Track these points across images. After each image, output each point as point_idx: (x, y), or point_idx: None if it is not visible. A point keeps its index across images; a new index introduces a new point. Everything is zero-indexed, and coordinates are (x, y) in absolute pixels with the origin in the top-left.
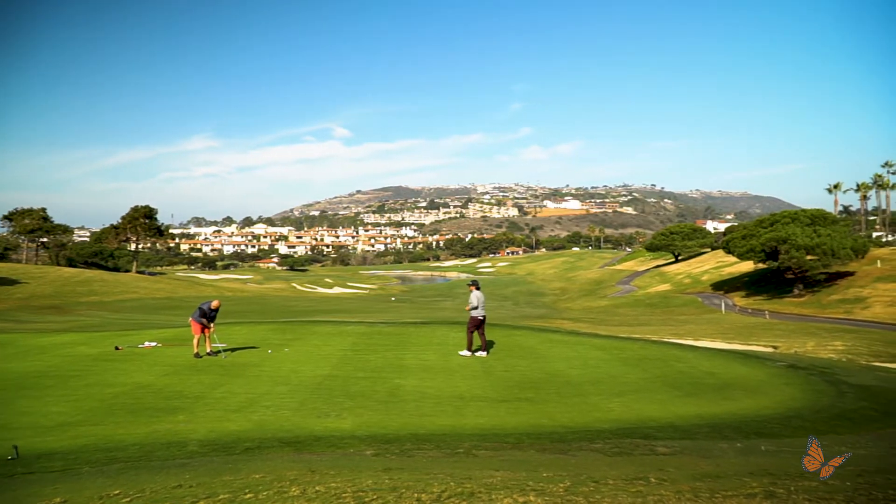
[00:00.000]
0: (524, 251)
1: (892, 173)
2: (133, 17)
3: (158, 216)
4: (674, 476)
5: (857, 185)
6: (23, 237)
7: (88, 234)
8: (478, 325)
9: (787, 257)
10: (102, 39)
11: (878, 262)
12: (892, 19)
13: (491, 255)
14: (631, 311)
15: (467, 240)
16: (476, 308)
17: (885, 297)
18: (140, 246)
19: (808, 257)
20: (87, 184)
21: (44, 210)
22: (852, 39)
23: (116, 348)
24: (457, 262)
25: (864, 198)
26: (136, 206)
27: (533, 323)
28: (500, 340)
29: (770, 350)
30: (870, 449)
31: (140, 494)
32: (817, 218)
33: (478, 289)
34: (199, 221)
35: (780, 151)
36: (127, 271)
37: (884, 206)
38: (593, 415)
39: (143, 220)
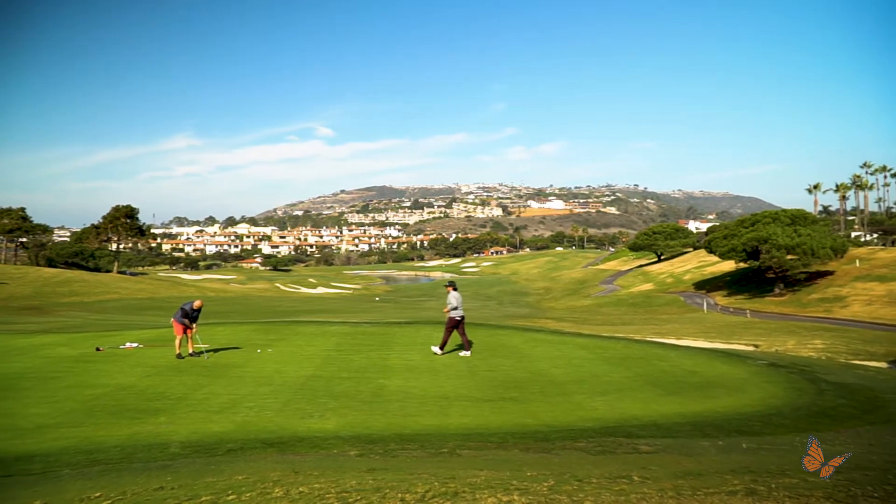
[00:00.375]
0: (508, 251)
1: (871, 174)
2: (114, 15)
3: (140, 216)
4: (656, 474)
5: (837, 186)
6: (1, 237)
7: (69, 233)
8: (456, 324)
9: (768, 257)
10: (82, 37)
11: (857, 261)
12: (875, 21)
13: (475, 255)
14: (614, 310)
15: (451, 240)
16: (455, 308)
17: (863, 296)
18: (121, 246)
19: (789, 257)
20: (66, 183)
21: (23, 209)
22: (835, 40)
23: (97, 349)
24: (441, 261)
25: (844, 198)
26: (118, 206)
27: (517, 322)
28: (485, 340)
29: (751, 349)
30: (849, 446)
31: (121, 497)
32: (797, 218)
33: (455, 289)
34: (181, 221)
35: (761, 152)
36: (108, 271)
37: (862, 207)
38: (577, 414)
39: (125, 219)
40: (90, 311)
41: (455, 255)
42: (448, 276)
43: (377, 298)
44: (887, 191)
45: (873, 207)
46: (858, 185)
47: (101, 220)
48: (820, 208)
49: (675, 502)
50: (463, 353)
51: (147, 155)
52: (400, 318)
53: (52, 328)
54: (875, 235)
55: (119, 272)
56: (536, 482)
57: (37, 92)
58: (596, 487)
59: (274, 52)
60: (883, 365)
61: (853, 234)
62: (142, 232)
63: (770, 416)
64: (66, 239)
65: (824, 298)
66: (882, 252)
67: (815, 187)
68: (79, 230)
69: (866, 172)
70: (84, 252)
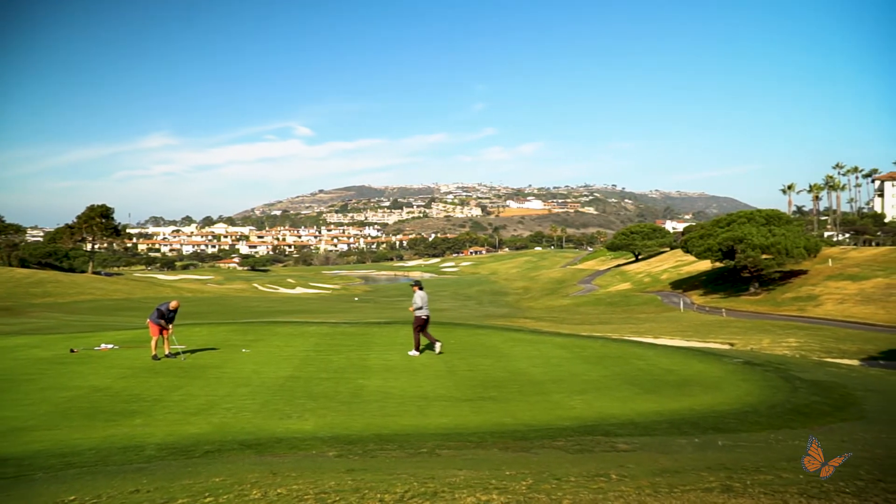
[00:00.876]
0: (487, 251)
1: (843, 175)
2: (87, 11)
3: (115, 215)
4: (634, 472)
5: (810, 186)
6: None
7: (42, 233)
8: (422, 324)
9: (744, 256)
10: (54, 33)
11: (830, 260)
12: (853, 24)
13: (454, 255)
14: (592, 309)
15: (431, 239)
16: (420, 308)
17: (835, 295)
18: (96, 246)
19: (764, 256)
20: (40, 182)
21: None
22: (810, 42)
23: (72, 351)
24: (420, 261)
25: (817, 198)
26: (92, 206)
27: (496, 322)
28: (464, 339)
29: (727, 347)
30: (822, 443)
31: (96, 500)
32: (772, 218)
33: (421, 289)
34: (157, 221)
35: (737, 152)
36: (82, 272)
37: (835, 207)
38: (555, 413)
39: (100, 219)
40: (64, 311)
41: (434, 255)
42: (428, 275)
43: (356, 298)
44: (859, 191)
45: (845, 208)
46: (831, 185)
47: (75, 220)
48: (794, 208)
49: (653, 500)
50: (437, 349)
51: (123, 154)
52: (379, 318)
53: (25, 329)
54: (847, 235)
55: (94, 272)
56: (515, 481)
57: (8, 90)
58: (574, 486)
59: (253, 51)
60: (855, 362)
61: (826, 234)
62: (117, 232)
63: (745, 413)
64: (39, 239)
65: (798, 297)
66: (854, 251)
67: (789, 188)
68: (52, 230)
69: (839, 173)
70: (58, 252)
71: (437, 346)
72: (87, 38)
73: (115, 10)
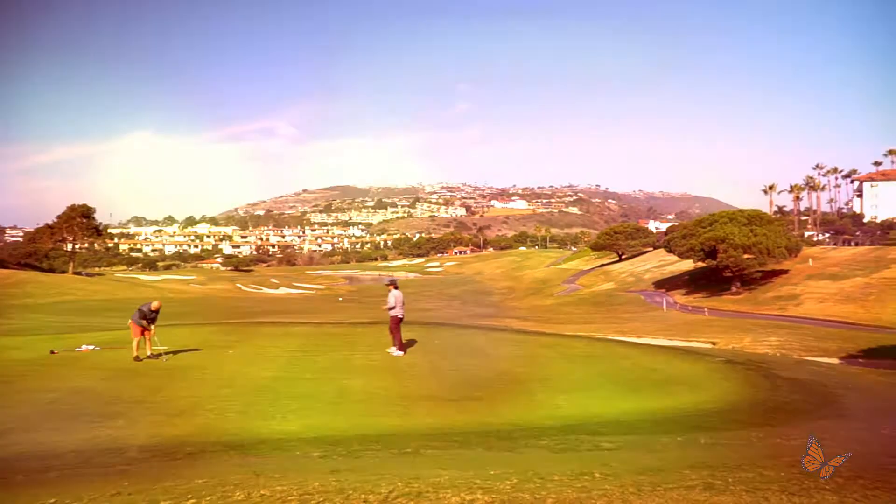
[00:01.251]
0: (472, 251)
1: (823, 175)
2: (65, 7)
3: (96, 215)
4: (617, 470)
5: (791, 187)
6: None
7: (21, 233)
8: (398, 323)
9: (725, 256)
10: (33, 28)
11: (810, 260)
12: (837, 23)
13: (439, 255)
14: (576, 309)
15: (415, 239)
16: (394, 308)
17: (816, 294)
18: (77, 246)
19: (745, 256)
20: (19, 181)
21: None
22: (796, 43)
23: (52, 352)
24: (405, 261)
25: (797, 199)
26: (73, 205)
27: (481, 322)
28: (449, 339)
29: (709, 346)
30: (802, 440)
31: (77, 503)
32: (754, 218)
33: (396, 288)
34: (139, 221)
35: (720, 153)
36: (63, 272)
37: (815, 207)
38: (540, 412)
39: (80, 219)
40: (45, 312)
41: (419, 255)
42: (413, 275)
43: (340, 299)
44: (838, 192)
45: (825, 208)
46: (811, 186)
47: (55, 220)
48: (775, 209)
49: (636, 498)
50: (392, 350)
51: (105, 153)
52: (364, 318)
53: (5, 331)
54: (827, 235)
55: (75, 273)
56: (500, 481)
57: None
58: (558, 485)
59: (236, 50)
60: (835, 361)
61: (806, 234)
62: (98, 232)
63: (727, 411)
64: (18, 239)
65: (779, 297)
66: (834, 251)
67: (771, 188)
68: (32, 230)
69: (819, 174)
70: (38, 252)
71: (396, 350)
72: (69, 35)
73: (97, 6)
